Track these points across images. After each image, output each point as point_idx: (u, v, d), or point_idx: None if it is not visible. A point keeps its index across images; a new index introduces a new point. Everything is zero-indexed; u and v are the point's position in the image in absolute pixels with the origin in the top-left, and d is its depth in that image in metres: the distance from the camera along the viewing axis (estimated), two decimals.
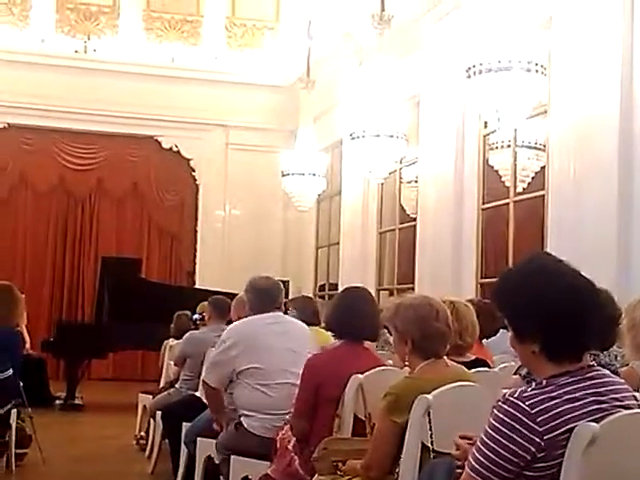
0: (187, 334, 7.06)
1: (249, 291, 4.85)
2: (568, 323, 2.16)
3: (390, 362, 4.28)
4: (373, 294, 11.08)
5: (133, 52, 13.76)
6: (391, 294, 11.04)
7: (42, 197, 14.33)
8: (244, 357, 4.57)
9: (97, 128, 13.97)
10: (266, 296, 4.78)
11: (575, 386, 2.14)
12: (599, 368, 2.25)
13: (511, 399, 2.12)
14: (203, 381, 4.87)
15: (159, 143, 14.44)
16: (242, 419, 4.57)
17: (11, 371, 5.95)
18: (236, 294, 6.53)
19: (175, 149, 14.48)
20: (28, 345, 7.21)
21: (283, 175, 11.72)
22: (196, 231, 14.76)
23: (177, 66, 13.87)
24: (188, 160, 14.58)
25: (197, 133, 14.37)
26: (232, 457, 4.52)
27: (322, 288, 13.74)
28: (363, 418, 3.64)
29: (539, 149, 8.05)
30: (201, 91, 13.89)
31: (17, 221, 14.11)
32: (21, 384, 6.37)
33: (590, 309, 2.20)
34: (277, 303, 4.81)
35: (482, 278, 8.57)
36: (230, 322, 6.69)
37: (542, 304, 2.17)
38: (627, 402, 2.20)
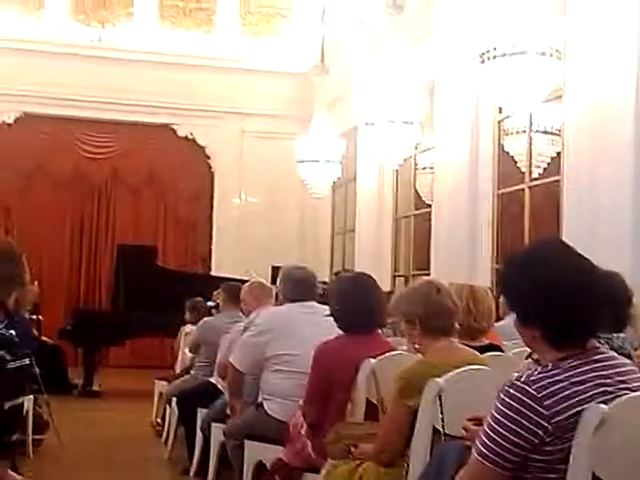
0: (201, 321, 7.10)
1: (284, 281, 4.84)
2: (567, 313, 2.16)
3: (404, 347, 4.28)
4: (388, 280, 11.15)
5: (147, 40, 13.76)
6: (407, 280, 11.04)
7: (59, 186, 14.39)
8: (275, 343, 4.58)
9: (112, 117, 14.00)
10: (302, 286, 4.78)
11: (581, 369, 2.14)
12: (605, 350, 2.24)
13: (517, 383, 2.12)
14: (229, 363, 4.86)
15: (174, 131, 14.46)
16: (264, 402, 4.59)
17: (27, 360, 5.92)
18: None
19: (190, 137, 14.49)
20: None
21: (298, 162, 11.72)
22: (212, 219, 14.78)
23: (191, 54, 13.87)
24: (203, 148, 14.60)
25: (212, 121, 14.38)
26: (246, 442, 4.54)
27: (338, 274, 13.74)
28: (375, 402, 3.65)
29: (555, 134, 8.01)
30: (216, 79, 13.90)
31: (34, 210, 14.13)
32: (38, 370, 6.41)
33: (589, 298, 2.18)
34: (312, 293, 4.80)
35: (497, 264, 8.55)
36: None
37: (540, 293, 2.18)
38: (633, 384, 2.19)
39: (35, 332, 8.58)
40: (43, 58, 13.16)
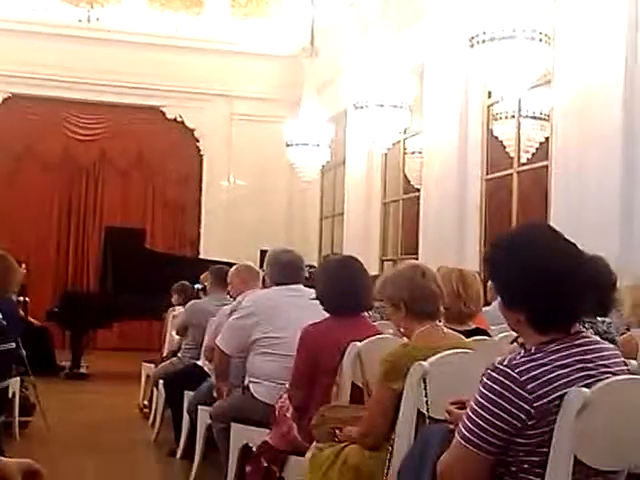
0: (189, 304, 7.09)
1: (271, 264, 4.83)
2: (552, 297, 2.16)
3: (390, 331, 4.28)
4: (377, 264, 11.15)
5: (136, 21, 13.66)
6: (395, 264, 11.05)
7: (47, 167, 14.34)
8: (261, 326, 4.58)
9: (101, 98, 13.95)
10: (289, 269, 4.77)
11: (564, 353, 2.15)
12: (588, 335, 2.25)
13: (500, 367, 2.12)
14: (216, 345, 4.86)
15: (163, 113, 14.43)
16: (250, 385, 4.59)
17: (14, 344, 5.90)
18: None
19: (179, 119, 14.47)
20: None
21: (287, 145, 11.69)
22: (200, 202, 14.77)
23: (181, 35, 13.79)
24: (192, 130, 14.57)
25: (201, 103, 14.35)
26: (233, 424, 4.55)
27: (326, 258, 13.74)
28: (361, 385, 3.66)
29: (543, 119, 8.01)
30: (205, 61, 13.84)
31: (22, 191, 14.07)
32: (24, 352, 6.41)
33: (575, 283, 2.18)
34: (299, 276, 4.80)
35: (485, 248, 8.56)
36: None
37: (526, 277, 2.17)
38: (616, 368, 2.20)
39: (22, 314, 8.57)
40: (31, 39, 13.07)
